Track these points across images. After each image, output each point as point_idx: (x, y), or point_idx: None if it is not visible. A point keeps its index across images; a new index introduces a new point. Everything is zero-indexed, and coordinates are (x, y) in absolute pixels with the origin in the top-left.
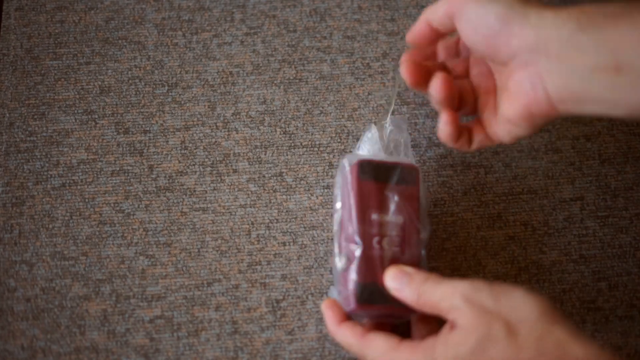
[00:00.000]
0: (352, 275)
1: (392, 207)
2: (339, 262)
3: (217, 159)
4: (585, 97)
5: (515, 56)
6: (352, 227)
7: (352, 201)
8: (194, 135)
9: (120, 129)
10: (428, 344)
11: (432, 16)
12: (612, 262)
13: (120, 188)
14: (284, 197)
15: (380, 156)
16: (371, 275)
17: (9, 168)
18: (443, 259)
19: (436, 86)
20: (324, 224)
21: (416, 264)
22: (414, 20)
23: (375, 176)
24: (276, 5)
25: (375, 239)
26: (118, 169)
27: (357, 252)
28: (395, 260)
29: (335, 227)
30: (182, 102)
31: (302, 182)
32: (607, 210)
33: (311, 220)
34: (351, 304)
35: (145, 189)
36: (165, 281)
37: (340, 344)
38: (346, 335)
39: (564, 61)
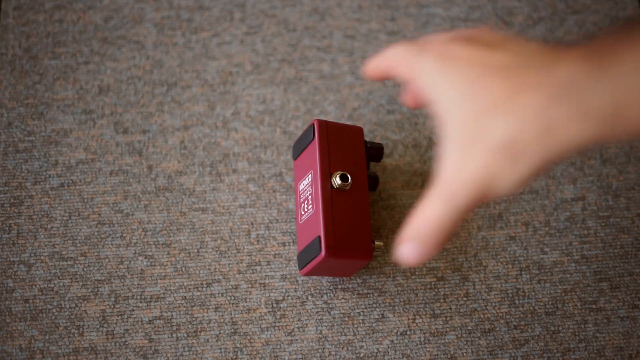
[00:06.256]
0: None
1: (305, 169)
2: None
3: (217, 158)
4: None
5: None
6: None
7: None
8: (194, 135)
9: (119, 128)
10: None
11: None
12: (613, 262)
13: (119, 188)
14: (284, 197)
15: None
16: (301, 243)
17: (7, 168)
18: (444, 259)
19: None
20: None
21: (321, 213)
22: (414, 19)
23: (298, 151)
24: (276, 4)
25: (302, 207)
26: (117, 168)
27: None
28: (308, 220)
29: None
30: (182, 102)
31: None
32: (609, 210)
33: None
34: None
35: (144, 189)
36: (164, 282)
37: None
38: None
39: None
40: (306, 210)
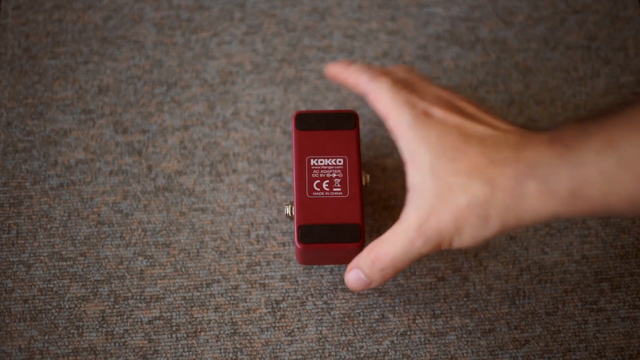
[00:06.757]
0: (295, 219)
1: (332, 150)
2: (287, 210)
3: (217, 158)
4: None
5: None
6: (293, 174)
7: (292, 150)
8: (193, 134)
9: (119, 128)
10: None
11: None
12: (614, 262)
13: (119, 188)
14: (284, 197)
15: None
16: (312, 217)
17: (7, 168)
18: (444, 259)
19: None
20: None
21: (359, 202)
22: (414, 19)
23: (313, 125)
24: (276, 4)
25: (315, 182)
26: (116, 168)
27: (295, 197)
28: (331, 200)
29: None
30: (181, 102)
31: None
32: None
33: None
34: (296, 244)
35: (144, 189)
36: (164, 282)
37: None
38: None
39: None
40: (325, 189)
